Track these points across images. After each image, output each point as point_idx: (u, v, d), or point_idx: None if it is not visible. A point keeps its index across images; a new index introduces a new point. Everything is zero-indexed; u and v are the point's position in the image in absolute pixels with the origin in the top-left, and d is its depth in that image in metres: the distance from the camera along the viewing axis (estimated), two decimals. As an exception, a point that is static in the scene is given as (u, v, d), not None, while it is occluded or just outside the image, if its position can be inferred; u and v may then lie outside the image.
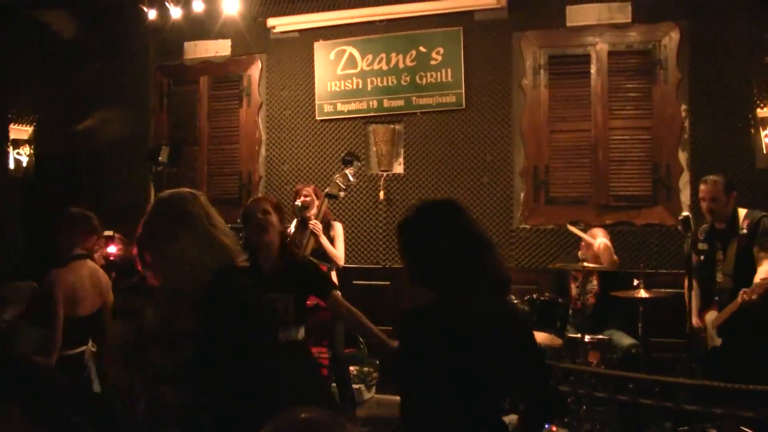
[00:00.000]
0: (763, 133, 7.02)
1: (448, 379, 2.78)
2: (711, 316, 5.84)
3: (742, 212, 5.77)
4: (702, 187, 5.91)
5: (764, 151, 7.03)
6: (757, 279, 5.40)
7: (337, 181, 6.59)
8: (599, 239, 6.70)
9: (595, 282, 6.80)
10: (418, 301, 2.95)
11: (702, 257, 5.97)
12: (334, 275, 6.58)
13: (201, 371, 2.87)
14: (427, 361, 2.83)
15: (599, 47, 7.64)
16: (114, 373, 3.80)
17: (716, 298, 5.83)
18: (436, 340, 2.82)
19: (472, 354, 2.77)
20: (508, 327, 2.85)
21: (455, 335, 2.79)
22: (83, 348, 5.21)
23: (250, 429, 2.64)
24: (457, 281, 2.82)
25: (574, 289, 6.81)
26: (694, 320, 5.97)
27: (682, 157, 7.37)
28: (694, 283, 5.99)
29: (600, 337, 6.34)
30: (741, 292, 5.44)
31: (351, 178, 6.66)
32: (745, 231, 5.62)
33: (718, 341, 5.75)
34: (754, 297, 5.34)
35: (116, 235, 6.72)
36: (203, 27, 8.71)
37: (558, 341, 6.19)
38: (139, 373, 4.27)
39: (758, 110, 7.11)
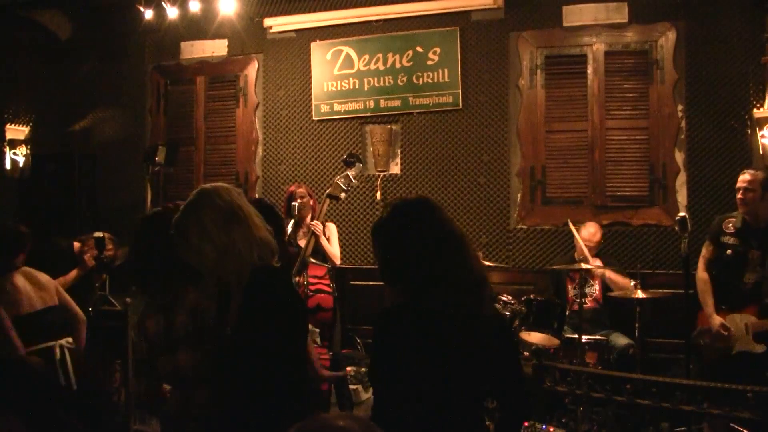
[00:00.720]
0: (759, 134, 7.02)
1: (420, 378, 2.77)
2: (743, 318, 5.71)
3: None
4: (740, 177, 5.84)
5: (761, 152, 7.02)
6: None
7: (338, 182, 6.59)
8: (599, 266, 6.71)
9: (596, 286, 6.80)
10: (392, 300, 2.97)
11: (729, 251, 5.86)
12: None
13: (230, 370, 2.88)
14: (399, 360, 2.81)
15: (596, 47, 7.64)
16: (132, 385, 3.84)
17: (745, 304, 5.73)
18: (408, 339, 2.81)
19: (444, 353, 2.76)
20: (481, 326, 2.83)
21: (427, 334, 2.78)
22: (51, 343, 5.40)
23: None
24: (429, 280, 2.80)
25: (571, 290, 6.80)
26: (713, 319, 5.83)
27: (679, 157, 7.37)
28: (704, 276, 5.97)
29: (597, 337, 6.35)
30: None
31: (353, 180, 6.66)
32: None
33: (759, 347, 5.62)
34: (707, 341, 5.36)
35: (106, 235, 6.69)
36: (200, 27, 8.71)
37: (555, 342, 6.18)
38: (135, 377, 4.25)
39: (754, 110, 7.11)
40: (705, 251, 6.03)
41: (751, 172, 5.82)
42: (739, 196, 5.83)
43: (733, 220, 5.88)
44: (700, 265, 6.03)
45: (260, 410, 2.83)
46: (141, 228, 3.44)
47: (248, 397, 2.85)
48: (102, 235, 6.64)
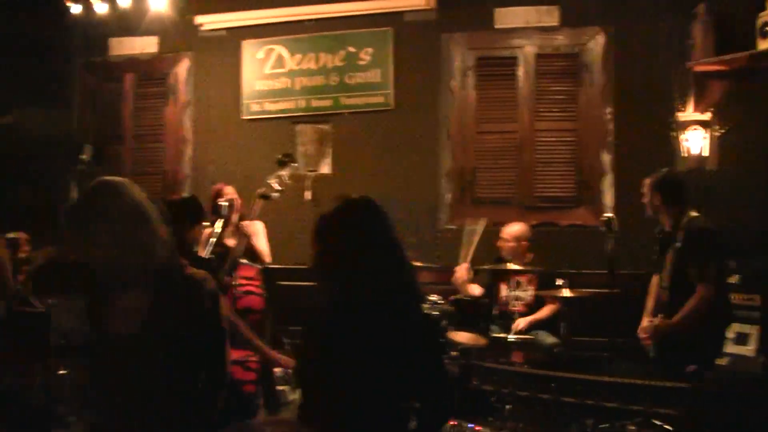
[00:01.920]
0: (683, 137, 7.11)
1: (346, 378, 2.79)
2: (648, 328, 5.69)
3: (685, 219, 5.52)
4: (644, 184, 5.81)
5: (684, 154, 7.12)
6: (687, 304, 5.23)
7: (271, 182, 6.51)
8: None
9: (530, 291, 6.79)
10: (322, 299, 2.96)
11: (656, 257, 5.87)
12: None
13: (138, 371, 2.78)
14: (326, 359, 2.84)
15: (527, 50, 7.69)
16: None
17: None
18: (336, 338, 2.84)
19: (371, 353, 2.78)
20: (409, 327, 2.85)
21: (355, 334, 2.81)
22: None
23: None
24: (361, 280, 2.84)
25: (503, 290, 6.76)
26: (643, 321, 5.81)
27: (606, 159, 7.44)
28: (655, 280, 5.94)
29: (524, 336, 6.34)
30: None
31: (286, 180, 6.59)
32: (678, 244, 5.41)
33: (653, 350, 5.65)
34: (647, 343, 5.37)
35: (21, 236, 6.55)
36: (129, 23, 8.56)
37: (482, 341, 6.14)
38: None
39: (679, 114, 7.20)
40: None
41: (653, 174, 5.78)
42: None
43: (661, 227, 5.84)
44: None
45: (171, 413, 2.78)
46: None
47: (160, 399, 2.78)
48: (15, 236, 6.49)
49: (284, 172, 6.56)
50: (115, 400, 2.81)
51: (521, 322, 6.60)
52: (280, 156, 6.79)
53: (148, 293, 2.77)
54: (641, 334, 5.74)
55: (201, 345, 2.83)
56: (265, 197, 6.51)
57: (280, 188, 6.52)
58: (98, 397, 2.90)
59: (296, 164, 7.02)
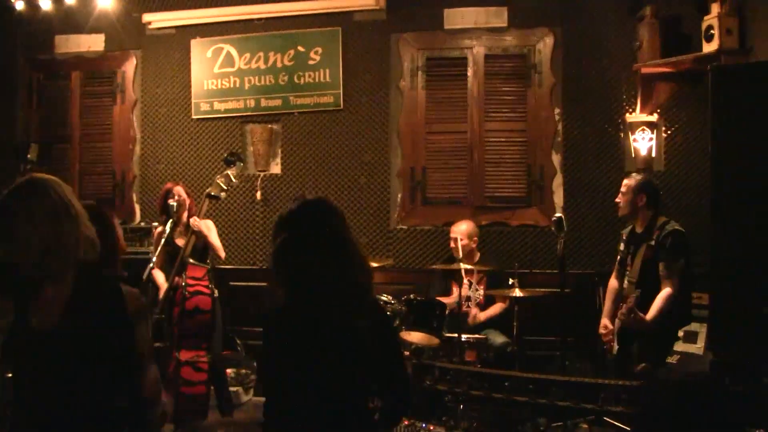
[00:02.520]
0: (631, 137, 7.22)
1: (305, 377, 2.85)
2: (617, 323, 5.79)
3: (661, 221, 5.72)
4: (623, 181, 5.95)
5: (632, 155, 7.22)
6: (656, 301, 5.43)
7: (218, 181, 6.47)
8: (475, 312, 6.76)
9: (480, 291, 6.83)
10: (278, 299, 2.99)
11: (618, 258, 6.00)
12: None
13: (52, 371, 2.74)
14: (285, 359, 2.89)
15: (476, 50, 7.73)
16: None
17: (620, 304, 5.79)
18: (293, 338, 2.89)
19: (328, 353, 2.84)
20: (364, 327, 2.89)
21: (312, 334, 2.86)
22: None
23: None
24: (316, 282, 2.88)
25: (455, 292, 6.78)
26: (602, 322, 5.94)
27: (556, 159, 7.51)
28: (612, 283, 6.07)
29: (477, 336, 6.37)
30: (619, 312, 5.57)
31: (233, 179, 6.55)
32: (653, 242, 5.59)
33: (615, 348, 5.76)
34: (623, 319, 5.46)
35: None
36: (76, 20, 8.41)
37: (435, 341, 6.18)
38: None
39: (627, 115, 7.31)
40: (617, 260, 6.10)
41: (632, 176, 5.96)
42: (616, 199, 5.98)
43: (629, 228, 5.99)
44: (613, 272, 6.11)
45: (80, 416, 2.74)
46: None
47: (71, 402, 2.74)
48: None
49: (231, 172, 6.54)
50: (32, 400, 2.77)
51: (479, 314, 6.66)
52: (226, 155, 6.76)
53: (68, 288, 2.73)
54: (602, 331, 5.83)
55: (113, 350, 2.78)
56: (212, 197, 6.49)
57: (227, 188, 6.49)
58: (19, 396, 2.85)
59: (243, 163, 6.99)
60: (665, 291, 5.45)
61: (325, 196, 7.47)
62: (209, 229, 6.62)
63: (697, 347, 5.69)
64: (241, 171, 7.88)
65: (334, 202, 3.14)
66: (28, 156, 8.28)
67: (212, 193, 6.47)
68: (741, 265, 4.83)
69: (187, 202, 6.67)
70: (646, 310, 5.40)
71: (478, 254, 6.99)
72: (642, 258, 5.65)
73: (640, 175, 6.04)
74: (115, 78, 8.63)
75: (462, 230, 6.86)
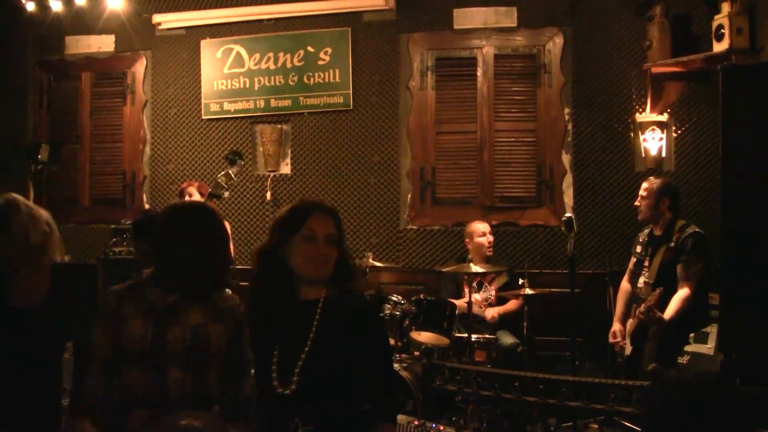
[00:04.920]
0: (641, 137, 7.20)
1: None
2: (630, 325, 5.81)
3: (680, 224, 5.70)
4: (642, 184, 5.91)
5: (642, 155, 7.21)
6: (674, 301, 5.41)
7: (219, 180, 6.47)
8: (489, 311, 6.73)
9: (492, 291, 6.84)
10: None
11: (634, 260, 5.98)
12: None
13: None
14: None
15: (485, 50, 7.72)
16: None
17: (633, 306, 5.82)
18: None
19: None
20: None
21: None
22: None
23: None
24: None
25: (467, 293, 6.76)
26: (613, 327, 5.95)
27: (566, 159, 7.50)
28: (624, 286, 6.04)
29: (486, 336, 6.36)
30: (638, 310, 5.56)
31: (234, 178, 6.54)
32: (672, 244, 5.58)
33: (629, 349, 5.75)
34: (642, 317, 5.45)
35: None
36: (86, 21, 8.45)
37: (445, 341, 6.16)
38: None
39: (637, 115, 7.29)
40: (629, 263, 6.08)
41: (651, 179, 5.91)
42: (635, 203, 5.94)
43: (647, 230, 5.95)
44: (625, 275, 6.08)
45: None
46: (173, 218, 3.25)
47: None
48: None
49: (232, 170, 6.52)
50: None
51: (492, 311, 6.65)
52: (227, 153, 6.75)
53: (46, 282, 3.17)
54: (612, 339, 5.82)
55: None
56: (214, 196, 6.47)
57: (228, 186, 6.48)
58: None
59: (243, 161, 6.97)
60: (683, 291, 5.43)
61: (331, 196, 7.61)
62: None
63: (708, 347, 5.68)
64: (251, 171, 7.94)
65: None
66: (39, 156, 8.32)
67: (213, 192, 6.46)
68: (752, 265, 4.81)
69: (200, 200, 6.63)
70: (662, 311, 5.38)
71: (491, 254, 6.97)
72: (660, 259, 5.65)
73: (659, 178, 6.01)
74: (125, 78, 8.65)
75: (479, 229, 6.85)
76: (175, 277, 3.07)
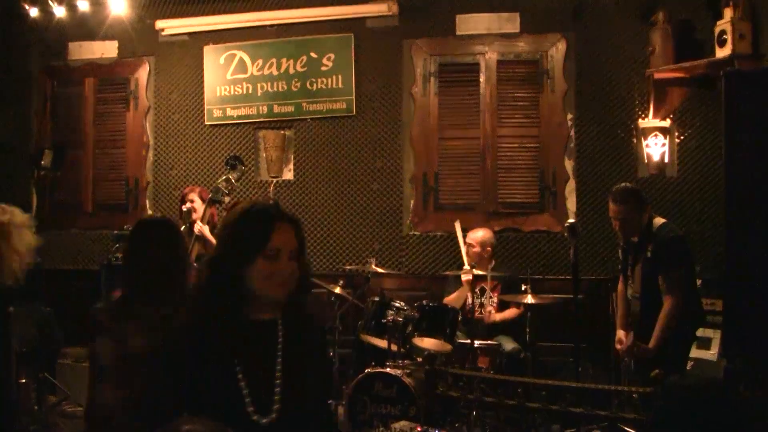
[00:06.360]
0: (644, 143, 7.21)
1: None
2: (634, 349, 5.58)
3: (658, 222, 5.52)
4: (610, 206, 5.62)
5: (645, 161, 7.21)
6: (659, 322, 5.29)
7: (220, 185, 6.46)
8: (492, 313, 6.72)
9: (494, 298, 6.82)
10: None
11: (620, 266, 5.87)
12: None
13: None
14: None
15: (488, 56, 7.73)
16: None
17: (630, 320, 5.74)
18: None
19: None
20: None
21: None
22: None
23: None
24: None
25: (469, 297, 6.75)
26: (618, 335, 5.79)
27: (569, 165, 7.50)
28: (622, 288, 5.92)
29: (489, 342, 6.35)
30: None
31: (234, 182, 6.53)
32: (649, 254, 5.42)
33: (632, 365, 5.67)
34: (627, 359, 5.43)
35: None
36: (89, 27, 8.44)
37: (448, 347, 6.16)
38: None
39: (640, 121, 7.30)
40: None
41: (611, 198, 5.63)
42: (615, 226, 5.71)
43: None
44: (620, 278, 5.94)
45: None
46: (143, 231, 3.39)
47: None
48: None
49: (232, 175, 6.51)
50: None
51: (494, 313, 6.64)
52: (227, 158, 6.74)
53: None
54: (618, 346, 5.77)
55: None
56: (214, 201, 6.46)
57: (228, 191, 6.47)
58: None
59: (244, 166, 6.97)
60: (666, 306, 5.28)
61: (334, 202, 7.62)
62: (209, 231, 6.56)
63: (711, 354, 5.69)
64: (254, 177, 7.94)
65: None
66: (42, 162, 8.33)
67: (214, 198, 6.45)
68: (755, 271, 4.80)
69: (202, 205, 6.62)
70: (653, 323, 5.32)
71: (494, 261, 6.95)
72: (641, 275, 5.52)
73: (617, 190, 5.65)
74: (129, 84, 8.66)
75: (476, 238, 6.87)
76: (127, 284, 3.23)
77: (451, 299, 6.72)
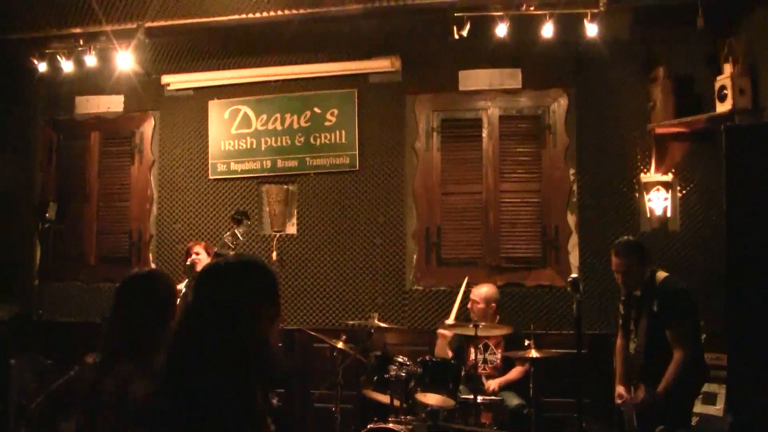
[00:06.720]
0: (646, 197, 7.22)
1: None
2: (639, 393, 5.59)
3: (660, 276, 5.53)
4: (613, 259, 5.67)
5: (647, 215, 7.22)
6: (669, 369, 5.26)
7: (226, 240, 6.48)
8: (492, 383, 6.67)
9: (498, 354, 6.79)
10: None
11: (620, 320, 5.87)
12: None
13: None
14: None
15: (491, 111, 7.79)
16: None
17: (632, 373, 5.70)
18: None
19: None
20: None
21: None
22: None
23: None
24: None
25: (472, 353, 6.70)
26: (617, 390, 5.75)
27: (571, 219, 7.51)
28: (620, 343, 5.89)
29: (493, 398, 6.31)
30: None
31: (240, 237, 6.56)
32: (655, 308, 5.41)
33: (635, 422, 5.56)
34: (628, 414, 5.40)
35: None
36: (96, 82, 8.52)
37: (451, 402, 6.11)
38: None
39: (642, 175, 7.32)
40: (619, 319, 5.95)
41: (614, 251, 5.68)
42: (618, 279, 5.75)
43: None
44: (618, 333, 5.94)
45: None
46: (131, 286, 3.45)
47: None
48: None
49: (238, 230, 6.54)
50: None
51: (493, 384, 6.59)
52: (233, 213, 6.77)
53: None
54: (618, 401, 5.72)
55: None
56: (219, 255, 6.48)
57: (234, 246, 6.49)
58: None
59: (249, 221, 6.99)
60: (677, 356, 5.26)
61: (337, 256, 7.62)
62: None
63: (717, 409, 5.63)
64: (257, 231, 7.96)
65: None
66: (47, 214, 8.36)
67: (219, 252, 6.47)
68: (758, 326, 4.78)
69: (207, 259, 6.64)
70: (657, 377, 5.29)
71: (498, 318, 6.93)
72: (646, 327, 5.49)
73: (619, 243, 5.71)
74: (134, 138, 8.72)
75: (480, 294, 6.87)
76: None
77: (437, 352, 6.71)
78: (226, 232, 6.64)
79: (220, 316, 2.48)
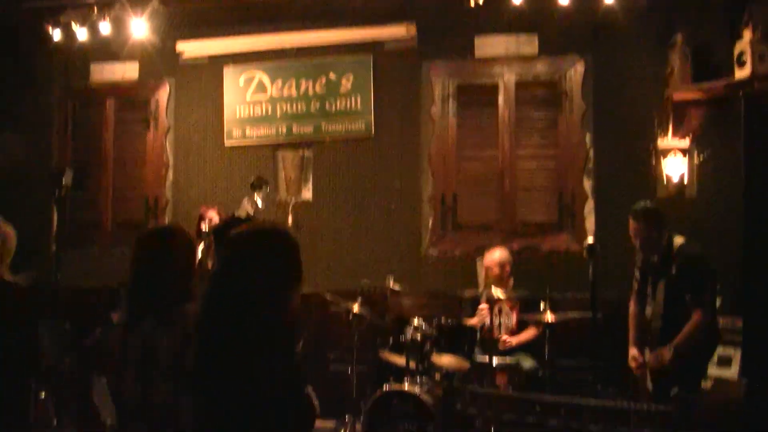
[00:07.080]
0: (663, 163, 7.19)
1: None
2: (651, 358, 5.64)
3: (678, 241, 5.57)
4: (631, 224, 5.73)
5: (664, 182, 7.19)
6: (686, 328, 5.32)
7: (245, 205, 6.49)
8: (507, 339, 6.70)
9: (513, 317, 6.82)
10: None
11: (636, 285, 5.92)
12: None
13: None
14: None
15: (507, 78, 7.77)
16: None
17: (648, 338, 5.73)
18: None
19: None
20: None
21: None
22: None
23: None
24: None
25: (487, 317, 6.73)
26: (630, 353, 5.82)
27: (587, 184, 7.51)
28: (633, 309, 5.95)
29: (508, 360, 6.34)
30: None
31: (260, 204, 6.56)
32: (674, 273, 5.45)
33: (650, 385, 5.65)
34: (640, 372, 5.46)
35: None
36: (111, 49, 8.49)
37: (466, 365, 6.16)
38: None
39: (659, 141, 7.28)
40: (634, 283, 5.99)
41: (642, 215, 5.72)
42: (636, 244, 5.80)
43: (641, 254, 5.85)
44: (632, 297, 6.01)
45: None
46: (150, 242, 3.46)
47: None
48: None
49: (258, 196, 6.53)
50: None
51: (509, 339, 6.62)
52: (253, 180, 6.78)
53: None
54: (632, 364, 5.75)
55: None
56: (237, 220, 6.47)
57: (252, 212, 6.49)
58: None
59: (269, 187, 6.99)
60: (696, 317, 5.31)
61: (353, 222, 7.64)
62: None
63: (732, 372, 5.64)
64: (272, 197, 7.95)
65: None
66: (63, 182, 8.37)
67: (238, 217, 6.47)
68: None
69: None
70: (671, 339, 5.35)
71: (512, 280, 6.95)
72: (664, 292, 5.54)
73: (638, 208, 5.79)
74: (149, 105, 8.74)
75: (493, 259, 6.87)
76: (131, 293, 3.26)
77: (473, 322, 6.71)
78: (241, 197, 6.64)
79: (263, 283, 2.53)
